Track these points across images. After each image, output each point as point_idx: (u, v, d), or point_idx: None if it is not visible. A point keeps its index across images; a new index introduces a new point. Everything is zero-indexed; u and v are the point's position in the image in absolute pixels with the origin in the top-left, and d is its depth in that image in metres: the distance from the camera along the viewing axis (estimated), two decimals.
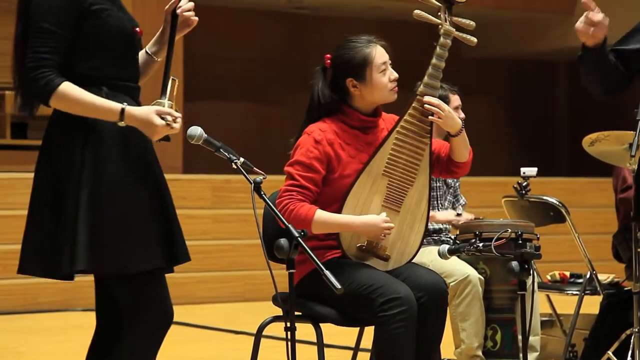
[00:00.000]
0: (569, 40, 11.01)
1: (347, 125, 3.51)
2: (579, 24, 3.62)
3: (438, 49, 3.50)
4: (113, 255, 2.78)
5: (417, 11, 3.49)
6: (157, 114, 2.77)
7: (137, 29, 2.91)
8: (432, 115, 3.45)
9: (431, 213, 4.19)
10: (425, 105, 3.45)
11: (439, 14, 3.52)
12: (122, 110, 2.74)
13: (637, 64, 3.65)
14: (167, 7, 3.01)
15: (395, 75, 3.49)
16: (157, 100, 2.85)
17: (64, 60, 2.78)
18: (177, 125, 2.78)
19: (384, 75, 3.48)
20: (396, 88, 3.50)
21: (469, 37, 3.57)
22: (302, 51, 11.14)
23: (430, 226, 4.25)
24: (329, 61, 3.55)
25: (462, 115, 4.39)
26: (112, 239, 2.77)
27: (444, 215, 4.27)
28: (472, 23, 3.55)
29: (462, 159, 3.55)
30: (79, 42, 2.78)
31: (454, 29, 3.52)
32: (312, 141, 3.44)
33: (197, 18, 3.03)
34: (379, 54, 3.49)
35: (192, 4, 3.02)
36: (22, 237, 2.88)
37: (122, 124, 2.75)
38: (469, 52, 11.64)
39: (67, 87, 2.74)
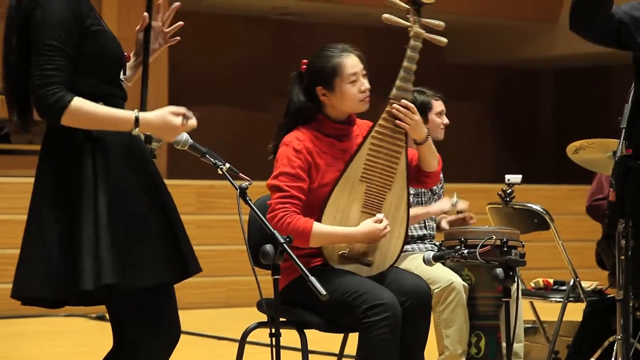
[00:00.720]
0: (554, 48, 11.07)
1: (322, 134, 3.50)
2: None
3: (409, 51, 3.50)
4: (134, 268, 2.72)
5: (385, 15, 3.49)
6: (171, 113, 2.74)
7: (126, 53, 2.90)
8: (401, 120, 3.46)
9: (425, 209, 4.18)
10: (394, 110, 3.46)
11: (408, 16, 3.52)
12: (136, 118, 2.70)
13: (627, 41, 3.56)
14: (137, 27, 2.97)
15: (366, 86, 3.48)
16: None
17: (68, 81, 2.73)
18: (193, 121, 2.75)
19: (353, 85, 3.47)
20: (367, 99, 3.49)
21: (439, 37, 3.56)
22: (288, 57, 11.11)
23: (415, 232, 4.25)
24: (304, 67, 3.55)
25: (446, 121, 4.40)
26: (131, 252, 2.72)
27: (438, 205, 4.24)
28: (442, 23, 3.55)
29: (430, 169, 3.56)
30: (79, 62, 2.74)
31: (424, 31, 3.51)
32: (292, 151, 3.44)
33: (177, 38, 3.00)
34: (350, 64, 3.47)
35: (176, 3, 2.98)
36: (20, 256, 2.78)
37: (136, 131, 2.71)
38: (454, 59, 11.67)
39: (80, 102, 2.69)
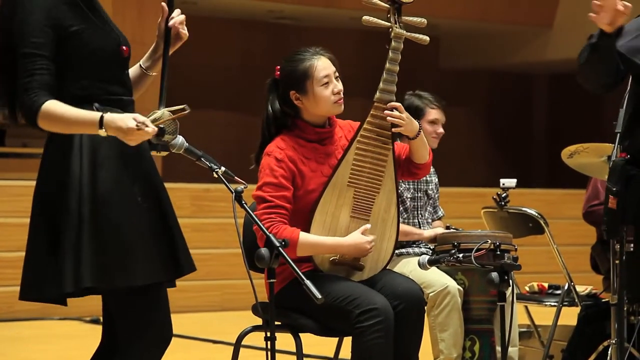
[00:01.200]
0: (548, 52, 11.09)
1: (304, 140, 3.49)
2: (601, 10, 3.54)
3: (390, 53, 3.47)
4: (117, 269, 2.74)
5: (365, 17, 3.48)
6: (133, 118, 2.73)
7: (124, 47, 2.89)
8: (395, 126, 3.45)
9: (419, 231, 4.20)
10: (388, 118, 3.45)
11: (389, 16, 3.50)
12: (102, 117, 2.72)
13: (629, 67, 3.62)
14: (159, 20, 3.00)
15: (339, 87, 3.45)
16: (154, 110, 2.84)
17: (55, 82, 2.76)
18: (149, 129, 2.72)
19: (326, 88, 3.45)
20: (341, 100, 3.46)
21: (421, 36, 3.52)
22: (283, 61, 11.15)
23: (411, 249, 4.25)
24: (277, 73, 3.53)
25: (441, 130, 4.40)
26: (115, 253, 2.74)
27: (433, 232, 4.26)
28: (424, 20, 3.50)
29: (422, 160, 3.56)
30: (64, 64, 2.77)
31: (405, 31, 3.49)
32: (274, 160, 3.43)
33: (186, 32, 3.01)
34: (322, 66, 3.45)
35: (183, 16, 3.00)
36: (24, 261, 2.83)
37: (103, 133, 2.72)
38: (448, 64, 11.69)
39: (51, 105, 2.73)
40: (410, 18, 3.50)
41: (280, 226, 3.35)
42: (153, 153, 2.90)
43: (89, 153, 2.78)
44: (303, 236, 3.35)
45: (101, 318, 2.94)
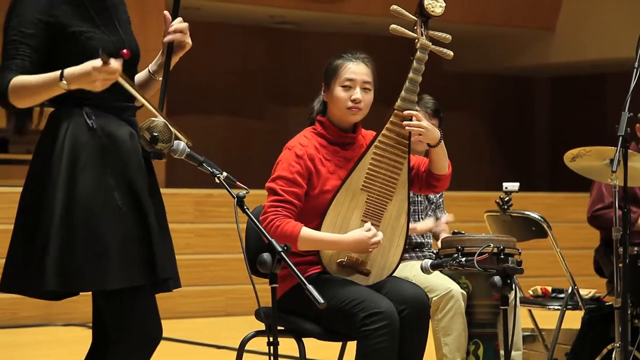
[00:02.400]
0: (549, 55, 11.09)
1: (327, 141, 3.51)
2: None
3: (415, 63, 3.50)
4: (84, 272, 2.76)
5: (393, 26, 3.49)
6: (94, 64, 2.69)
7: (124, 50, 2.89)
8: (415, 134, 3.46)
9: (412, 225, 4.19)
10: (407, 128, 3.46)
11: (415, 28, 3.53)
12: (62, 73, 2.70)
13: None
14: (164, 27, 2.99)
15: (357, 96, 3.46)
16: (149, 118, 2.85)
17: (35, 71, 2.77)
18: (114, 64, 2.66)
19: (345, 91, 3.47)
20: (356, 110, 3.47)
21: (445, 50, 3.58)
22: (284, 66, 11.15)
23: (412, 239, 4.25)
24: None
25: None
26: (85, 257, 2.75)
27: (424, 225, 4.27)
28: (448, 36, 3.56)
29: (442, 171, 3.55)
30: (58, 65, 2.77)
31: (431, 43, 3.52)
32: (294, 156, 3.44)
33: (189, 42, 3.00)
34: (350, 70, 3.47)
35: (184, 24, 2.98)
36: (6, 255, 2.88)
37: (63, 84, 2.70)
38: (450, 67, 11.68)
39: (17, 79, 2.75)
40: (436, 32, 3.55)
41: (284, 220, 3.36)
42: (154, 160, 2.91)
43: (69, 157, 2.79)
44: (305, 230, 3.36)
45: None
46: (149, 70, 3.03)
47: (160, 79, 3.02)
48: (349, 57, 3.50)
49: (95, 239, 2.76)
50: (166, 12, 3.00)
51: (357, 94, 3.46)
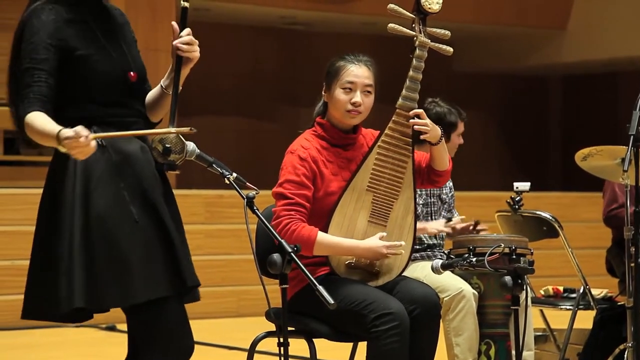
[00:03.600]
0: (562, 55, 11.06)
1: (328, 143, 3.50)
2: None
3: (414, 61, 3.49)
4: (110, 288, 2.76)
5: (391, 25, 3.49)
6: (72, 130, 2.68)
7: (131, 73, 2.90)
8: (420, 133, 3.45)
9: (422, 225, 4.19)
10: (414, 126, 3.45)
11: (413, 25, 3.52)
12: (58, 132, 2.68)
13: None
14: (172, 40, 2.99)
15: (357, 99, 3.45)
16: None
17: (53, 94, 2.79)
18: (82, 139, 2.63)
19: (345, 93, 3.46)
20: (355, 113, 3.46)
21: (444, 47, 3.57)
22: (295, 67, 11.15)
23: (425, 241, 4.24)
24: None
25: (461, 141, 4.42)
26: (108, 274, 2.76)
27: (435, 225, 4.27)
28: (447, 32, 3.55)
29: (443, 167, 3.55)
30: (67, 88, 2.79)
31: (429, 40, 3.51)
32: (298, 159, 3.44)
33: (197, 53, 2.99)
34: (351, 72, 3.46)
35: (189, 37, 2.96)
36: (26, 281, 2.88)
37: (61, 149, 2.69)
38: (461, 67, 11.67)
39: (32, 117, 2.75)
40: (434, 29, 3.53)
41: (299, 224, 3.35)
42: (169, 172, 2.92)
43: (82, 176, 2.80)
44: (321, 236, 3.35)
45: (117, 325, 2.97)
46: (161, 86, 3.02)
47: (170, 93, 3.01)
48: (352, 59, 3.49)
49: (115, 256, 2.77)
50: (174, 23, 2.99)
51: (357, 97, 3.45)
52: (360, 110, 3.46)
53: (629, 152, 3.66)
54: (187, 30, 2.98)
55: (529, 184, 4.46)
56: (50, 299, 2.79)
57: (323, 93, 3.53)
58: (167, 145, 2.83)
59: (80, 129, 2.64)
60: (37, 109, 2.75)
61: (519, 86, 12.50)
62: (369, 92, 3.48)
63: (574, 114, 12.59)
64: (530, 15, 10.71)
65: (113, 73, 2.85)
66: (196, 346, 2.92)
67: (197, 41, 2.98)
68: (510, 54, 11.52)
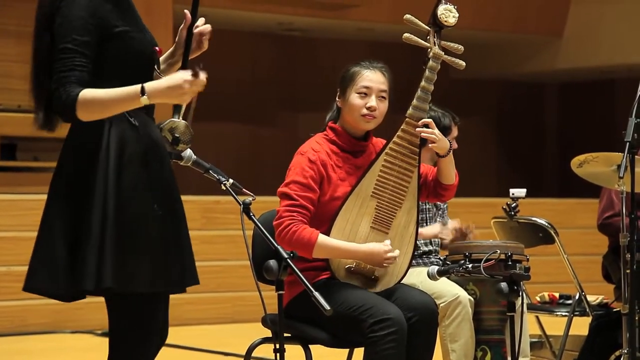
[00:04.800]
0: (558, 62, 11.08)
1: (338, 148, 3.52)
2: None
3: (427, 72, 3.52)
4: (138, 271, 2.72)
5: (406, 34, 3.51)
6: (180, 75, 2.69)
7: (157, 48, 2.88)
8: (424, 142, 3.47)
9: (419, 231, 4.20)
10: (422, 135, 3.47)
11: (428, 37, 3.55)
12: (142, 88, 2.68)
13: None
14: (181, 27, 2.97)
15: (373, 104, 3.47)
16: (170, 119, 2.84)
17: (92, 83, 2.73)
18: (203, 76, 2.70)
19: (360, 98, 3.47)
20: (370, 118, 3.48)
21: (457, 60, 3.60)
22: (293, 72, 11.16)
23: (420, 247, 4.25)
24: None
25: (456, 145, 4.42)
26: (136, 254, 2.71)
27: (430, 230, 4.27)
28: (461, 47, 3.58)
29: (449, 181, 3.57)
30: (102, 64, 2.74)
31: (443, 53, 3.54)
32: (307, 161, 3.45)
33: (206, 45, 2.98)
34: (367, 77, 3.48)
35: (209, 27, 2.96)
36: (33, 251, 2.79)
37: (144, 99, 2.67)
38: (458, 73, 11.68)
39: (87, 92, 2.69)
40: (448, 43, 3.56)
41: (300, 225, 3.36)
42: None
43: (117, 149, 2.74)
44: (322, 238, 3.36)
45: None
46: (155, 69, 3.02)
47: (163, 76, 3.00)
48: (367, 65, 3.52)
49: (141, 240, 2.72)
50: (186, 11, 2.98)
51: (373, 101, 3.47)
52: (375, 115, 3.48)
53: (624, 159, 3.67)
54: (203, 19, 2.96)
55: (524, 190, 4.47)
56: (70, 274, 2.70)
57: (337, 99, 3.54)
58: (176, 135, 2.82)
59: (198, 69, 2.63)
60: (82, 88, 2.69)
61: (516, 92, 12.52)
62: (383, 97, 3.51)
63: (570, 121, 12.61)
64: (527, 23, 10.74)
65: (145, 50, 2.81)
66: (192, 352, 2.92)
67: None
68: (507, 60, 11.54)
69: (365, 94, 3.48)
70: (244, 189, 2.96)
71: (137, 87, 2.69)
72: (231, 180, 2.96)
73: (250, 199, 2.95)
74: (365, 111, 3.48)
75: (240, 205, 2.93)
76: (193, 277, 2.87)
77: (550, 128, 12.83)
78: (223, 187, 2.96)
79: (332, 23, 10.25)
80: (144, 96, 2.68)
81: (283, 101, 11.10)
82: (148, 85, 2.69)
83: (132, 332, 2.81)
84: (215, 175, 2.96)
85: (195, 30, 2.95)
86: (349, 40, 10.90)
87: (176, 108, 2.87)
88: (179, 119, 2.84)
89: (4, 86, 8.00)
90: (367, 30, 10.43)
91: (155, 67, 2.88)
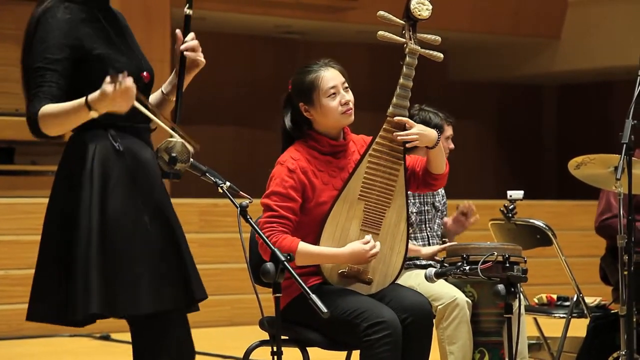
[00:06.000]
0: (556, 64, 11.09)
1: (318, 152, 3.50)
2: None
3: (405, 68, 3.49)
4: (124, 295, 2.75)
5: (380, 32, 3.49)
6: (106, 83, 2.67)
7: (145, 73, 2.89)
8: (408, 142, 3.46)
9: (416, 248, 4.20)
10: (398, 138, 3.45)
11: (404, 32, 3.52)
12: (86, 99, 2.69)
13: None
14: (175, 45, 2.99)
15: (347, 98, 3.46)
16: (167, 139, 2.85)
17: (63, 97, 2.75)
18: (128, 81, 2.65)
19: (333, 99, 3.46)
20: (350, 110, 3.47)
21: (435, 53, 3.56)
22: (291, 75, 11.17)
23: (418, 262, 4.24)
24: (290, 86, 3.55)
25: (452, 146, 4.42)
26: (122, 281, 2.74)
27: (430, 250, 4.27)
28: (438, 38, 3.54)
29: (439, 171, 3.56)
30: (83, 88, 2.75)
31: (419, 47, 3.52)
32: (286, 170, 3.44)
33: (203, 59, 2.99)
34: (328, 77, 3.46)
35: (196, 42, 2.97)
36: (32, 280, 2.84)
37: (94, 113, 2.69)
38: (456, 76, 11.70)
39: (45, 107, 2.73)
40: (425, 35, 3.53)
41: (280, 235, 3.35)
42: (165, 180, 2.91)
43: (100, 178, 2.77)
44: (302, 246, 3.36)
45: (111, 335, 2.96)
46: (162, 92, 3.02)
47: (174, 99, 3.00)
48: (317, 68, 3.48)
49: (129, 262, 2.75)
50: (178, 31, 2.99)
51: (346, 96, 3.46)
52: (351, 106, 3.48)
53: (621, 161, 3.67)
54: (192, 34, 2.99)
55: (522, 192, 4.47)
56: (64, 303, 2.75)
57: (303, 111, 3.48)
58: (173, 155, 2.83)
59: (111, 76, 2.62)
60: (45, 103, 2.73)
61: (514, 95, 12.52)
62: (347, 87, 3.49)
63: (569, 123, 12.61)
64: (525, 25, 10.74)
65: (130, 73, 2.84)
66: None
67: (200, 47, 2.97)
68: (505, 63, 11.55)
69: (334, 93, 3.46)
70: (241, 192, 2.97)
71: (82, 99, 2.70)
72: (228, 183, 2.96)
73: (247, 201, 2.95)
74: (343, 108, 3.46)
75: (237, 207, 2.93)
76: (200, 291, 2.87)
77: (548, 130, 12.83)
78: (220, 190, 2.96)
79: (331, 26, 10.25)
80: (90, 109, 2.68)
81: (281, 104, 11.10)
82: (90, 96, 2.69)
83: (146, 352, 2.84)
84: (212, 177, 2.96)
85: (182, 47, 2.95)
86: (347, 42, 10.90)
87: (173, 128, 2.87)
88: (176, 139, 2.84)
89: (2, 90, 8.00)
90: (365, 33, 10.42)
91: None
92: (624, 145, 3.69)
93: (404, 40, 3.50)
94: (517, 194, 4.45)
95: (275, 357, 2.94)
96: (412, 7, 3.49)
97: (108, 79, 2.62)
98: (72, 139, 2.86)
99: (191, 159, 2.93)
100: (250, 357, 3.49)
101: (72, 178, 2.79)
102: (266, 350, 3.16)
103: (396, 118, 3.47)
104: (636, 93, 3.72)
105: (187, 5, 3.01)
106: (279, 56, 11.10)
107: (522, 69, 11.48)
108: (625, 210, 3.75)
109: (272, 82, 11.07)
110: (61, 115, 2.71)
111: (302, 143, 3.52)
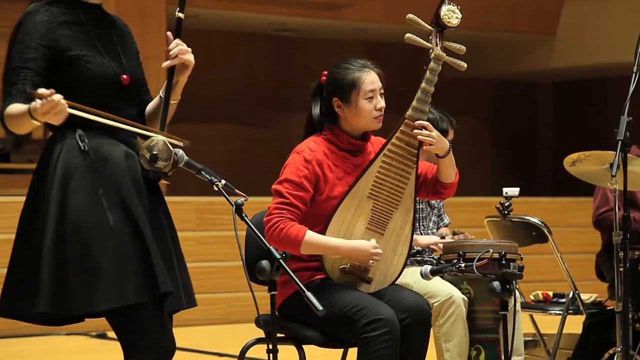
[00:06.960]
0: (552, 61, 11.10)
1: (336, 147, 3.52)
2: None
3: (428, 73, 3.50)
4: (76, 294, 2.76)
5: (408, 35, 3.49)
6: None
7: (124, 76, 2.90)
8: (423, 144, 3.47)
9: (414, 236, 4.20)
10: (419, 137, 3.47)
11: (430, 37, 3.53)
12: (29, 109, 2.70)
13: None
14: (167, 47, 3.00)
15: (382, 104, 3.49)
16: (150, 137, 2.86)
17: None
18: (56, 97, 2.65)
19: (369, 102, 3.48)
20: (381, 117, 3.50)
21: (459, 62, 3.58)
22: (286, 73, 11.16)
23: (413, 248, 4.25)
24: (324, 78, 3.55)
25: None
26: (75, 278, 2.76)
27: (426, 239, 4.27)
28: (463, 48, 3.56)
29: (449, 180, 3.57)
30: (58, 88, 2.76)
31: (445, 54, 3.53)
32: (302, 160, 3.45)
33: (191, 60, 3.00)
34: (369, 80, 3.48)
35: (178, 48, 2.97)
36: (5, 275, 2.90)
37: (37, 123, 2.72)
38: (452, 73, 11.70)
39: (9, 108, 2.78)
40: (451, 43, 3.54)
41: (288, 222, 3.37)
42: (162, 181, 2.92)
43: (61, 179, 2.81)
44: (309, 234, 3.37)
45: (107, 333, 2.99)
46: (160, 96, 3.02)
47: (173, 102, 3.02)
48: (359, 68, 3.50)
49: (86, 262, 2.77)
50: (169, 33, 3.00)
51: (381, 102, 3.49)
52: (382, 113, 3.51)
53: (617, 157, 3.67)
54: (176, 41, 2.99)
55: (517, 189, 4.47)
56: (21, 300, 2.81)
57: (337, 106, 3.49)
58: (154, 152, 2.83)
59: (43, 90, 2.64)
60: (17, 102, 2.76)
61: (510, 92, 12.54)
62: (382, 93, 3.53)
63: (564, 120, 12.63)
64: (520, 22, 10.75)
65: (104, 75, 2.85)
66: (186, 353, 2.93)
67: (187, 48, 2.98)
68: (501, 59, 11.56)
69: (372, 97, 3.48)
70: (236, 190, 2.96)
71: (27, 109, 2.71)
72: (223, 181, 2.96)
73: (243, 199, 2.95)
74: (376, 113, 3.49)
75: (232, 205, 2.93)
76: (167, 284, 2.85)
77: (544, 127, 12.85)
78: (215, 188, 2.96)
79: (326, 23, 10.25)
80: (32, 117, 2.70)
81: (276, 102, 11.10)
82: (31, 105, 2.70)
83: (125, 347, 2.86)
84: (208, 176, 2.96)
85: (170, 53, 2.96)
86: (342, 40, 10.90)
87: (161, 126, 2.88)
88: (158, 136, 2.85)
89: None
90: (360, 31, 10.43)
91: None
92: (619, 141, 3.69)
93: (431, 45, 3.51)
94: (513, 191, 4.46)
95: (271, 355, 2.94)
96: (442, 14, 3.50)
97: (40, 91, 2.65)
98: (48, 138, 2.91)
99: (185, 157, 2.93)
100: (246, 355, 3.49)
101: (39, 176, 2.84)
102: (262, 348, 3.16)
103: (417, 122, 3.48)
104: (631, 90, 3.72)
105: (179, 9, 3.01)
106: (273, 54, 11.10)
107: (518, 65, 11.49)
108: (621, 207, 3.75)
109: (268, 80, 11.08)
110: (15, 117, 2.76)
111: (322, 136, 3.52)
